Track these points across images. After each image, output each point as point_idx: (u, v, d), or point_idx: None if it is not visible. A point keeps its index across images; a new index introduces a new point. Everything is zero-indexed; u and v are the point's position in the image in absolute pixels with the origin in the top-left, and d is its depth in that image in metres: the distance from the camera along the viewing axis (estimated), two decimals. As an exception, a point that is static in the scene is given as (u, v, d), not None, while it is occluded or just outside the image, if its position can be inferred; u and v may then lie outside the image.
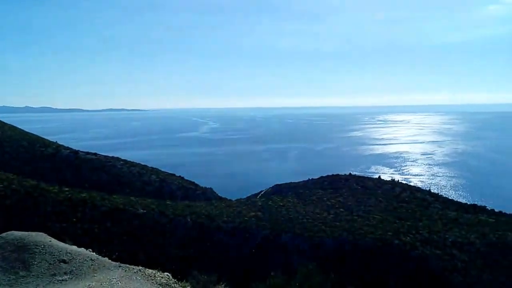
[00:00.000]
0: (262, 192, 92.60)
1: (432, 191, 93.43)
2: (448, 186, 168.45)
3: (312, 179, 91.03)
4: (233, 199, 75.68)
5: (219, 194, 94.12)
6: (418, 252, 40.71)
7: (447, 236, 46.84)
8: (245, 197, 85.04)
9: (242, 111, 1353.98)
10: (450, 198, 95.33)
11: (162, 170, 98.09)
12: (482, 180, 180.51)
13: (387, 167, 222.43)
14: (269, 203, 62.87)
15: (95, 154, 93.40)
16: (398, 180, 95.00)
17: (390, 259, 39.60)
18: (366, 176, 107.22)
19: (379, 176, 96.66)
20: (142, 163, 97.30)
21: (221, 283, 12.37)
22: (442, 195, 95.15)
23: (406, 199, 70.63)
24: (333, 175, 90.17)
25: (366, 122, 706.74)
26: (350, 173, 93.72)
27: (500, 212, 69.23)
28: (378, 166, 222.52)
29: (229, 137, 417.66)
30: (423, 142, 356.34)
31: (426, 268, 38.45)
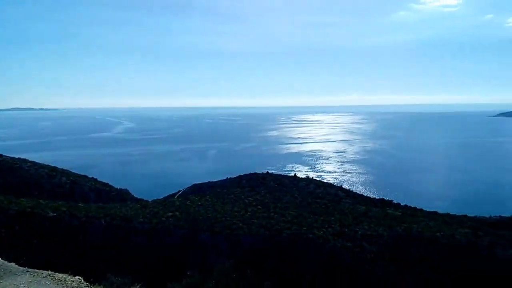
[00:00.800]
0: (180, 192, 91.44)
1: (343, 187, 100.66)
2: (358, 182, 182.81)
3: (230, 178, 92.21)
4: (150, 200, 74.38)
5: (135, 195, 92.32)
6: (331, 245, 43.58)
7: (357, 229, 50.74)
8: (162, 197, 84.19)
9: (159, 111, 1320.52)
10: (360, 193, 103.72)
11: (73, 171, 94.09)
12: (388, 175, 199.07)
13: (302, 165, 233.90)
14: (187, 202, 62.17)
15: (0, 155, 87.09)
16: (313, 177, 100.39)
17: (305, 252, 41.86)
18: (282, 174, 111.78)
19: (295, 174, 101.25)
20: (52, 165, 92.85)
21: (136, 284, 12.11)
22: (352, 190, 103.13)
23: (320, 195, 75.07)
24: (251, 173, 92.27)
25: (283, 122, 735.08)
26: (267, 172, 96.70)
27: (406, 205, 77.22)
28: (294, 164, 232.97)
29: (146, 137, 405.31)
30: (336, 141, 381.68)
31: (338, 260, 41.34)
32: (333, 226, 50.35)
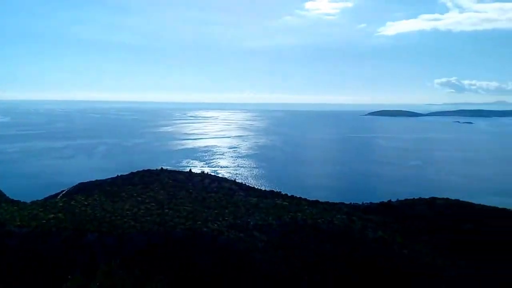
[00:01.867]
0: (64, 192, 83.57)
1: (237, 180, 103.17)
2: (251, 176, 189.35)
3: (121, 175, 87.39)
4: (28, 201, 66.74)
5: (10, 197, 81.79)
6: (225, 236, 44.38)
7: (249, 220, 52.59)
8: (42, 198, 76.35)
9: (37, 104, 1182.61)
10: (252, 186, 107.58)
11: None
12: (278, 169, 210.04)
13: (197, 160, 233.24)
14: (72, 203, 57.11)
15: None
16: (208, 173, 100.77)
17: (199, 245, 41.90)
18: (177, 170, 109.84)
19: (190, 170, 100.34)
20: None
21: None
22: (245, 184, 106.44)
23: (215, 189, 75.81)
24: (143, 170, 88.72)
25: (177, 118, 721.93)
26: (161, 168, 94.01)
27: (292, 195, 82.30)
28: (189, 160, 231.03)
29: (23, 132, 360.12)
30: (230, 137, 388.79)
31: (232, 249, 42.32)
32: (226, 218, 51.33)
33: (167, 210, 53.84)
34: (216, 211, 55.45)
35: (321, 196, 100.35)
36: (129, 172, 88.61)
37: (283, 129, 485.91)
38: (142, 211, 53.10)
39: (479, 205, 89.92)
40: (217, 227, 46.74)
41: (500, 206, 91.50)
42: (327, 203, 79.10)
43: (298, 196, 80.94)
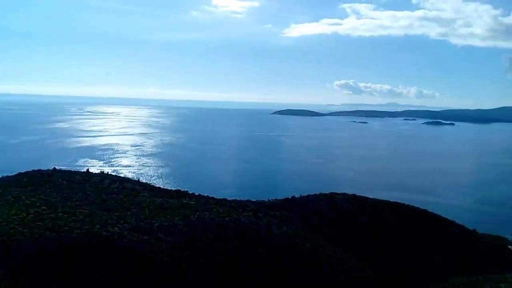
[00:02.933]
0: None
1: (141, 180, 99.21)
2: (156, 175, 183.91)
3: (7, 176, 78.12)
4: None
5: None
6: (127, 240, 42.56)
7: (153, 221, 51.10)
8: None
9: None
10: (157, 186, 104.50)
11: None
12: (184, 167, 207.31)
13: (96, 159, 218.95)
14: None
15: None
16: (108, 172, 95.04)
17: (98, 251, 39.55)
18: (73, 170, 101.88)
19: (88, 170, 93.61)
20: None
21: None
22: (150, 183, 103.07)
23: (116, 190, 71.86)
24: (33, 171, 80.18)
25: (74, 113, 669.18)
26: (54, 168, 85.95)
27: (199, 194, 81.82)
28: (87, 159, 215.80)
29: None
30: (133, 134, 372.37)
31: (134, 253, 40.79)
32: (129, 221, 49.18)
33: (61, 214, 49.56)
34: (117, 213, 52.73)
35: (229, 194, 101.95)
36: (16, 173, 79.63)
37: (189, 127, 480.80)
38: (31, 215, 48.08)
39: (373, 199, 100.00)
40: (118, 230, 44.56)
41: (391, 200, 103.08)
42: (234, 201, 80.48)
43: (205, 195, 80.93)
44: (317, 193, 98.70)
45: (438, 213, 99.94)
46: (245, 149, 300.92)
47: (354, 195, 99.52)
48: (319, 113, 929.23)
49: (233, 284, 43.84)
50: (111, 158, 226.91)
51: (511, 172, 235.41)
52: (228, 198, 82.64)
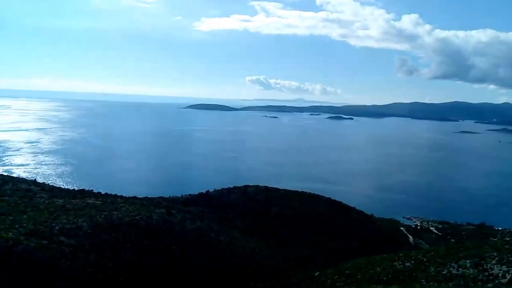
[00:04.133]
0: None
1: (38, 180, 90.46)
2: (56, 174, 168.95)
3: None
4: None
5: None
6: (23, 246, 38.47)
7: (54, 224, 46.88)
8: None
9: None
10: (57, 186, 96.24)
11: None
12: (89, 165, 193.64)
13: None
14: None
15: None
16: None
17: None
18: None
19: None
20: None
21: None
22: (49, 183, 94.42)
23: (8, 192, 64.64)
24: None
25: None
26: None
27: (107, 193, 77.19)
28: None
29: None
30: (28, 130, 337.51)
31: (32, 260, 37.08)
32: (25, 225, 44.47)
33: None
34: (11, 217, 47.34)
35: (140, 191, 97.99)
36: None
37: (94, 122, 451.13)
38: None
39: (283, 189, 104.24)
40: (13, 236, 40.05)
41: (299, 190, 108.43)
42: (145, 198, 77.75)
43: (113, 194, 76.82)
44: (231, 186, 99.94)
45: (340, 200, 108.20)
46: (157, 144, 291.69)
47: (266, 186, 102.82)
48: (232, 107, 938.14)
49: (146, 284, 42.30)
50: (2, 156, 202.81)
51: (402, 161, 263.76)
52: (139, 196, 79.55)
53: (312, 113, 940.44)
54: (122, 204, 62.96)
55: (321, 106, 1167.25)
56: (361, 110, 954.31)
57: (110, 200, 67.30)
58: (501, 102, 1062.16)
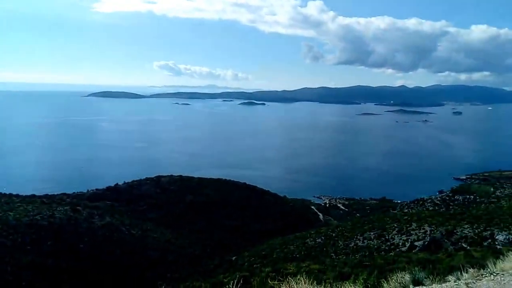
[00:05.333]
0: None
1: None
2: None
3: None
4: None
5: None
6: None
7: None
8: None
9: None
10: None
11: None
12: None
13: None
14: None
15: None
16: None
17: None
18: None
19: None
20: None
21: None
22: None
23: None
24: None
25: None
26: None
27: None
28: None
29: None
30: None
31: None
32: None
33: None
34: None
35: (39, 189, 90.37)
36: None
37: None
38: None
39: (198, 177, 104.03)
40: None
41: (214, 177, 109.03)
42: (45, 196, 71.86)
43: (7, 193, 69.64)
44: (143, 178, 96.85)
45: (255, 185, 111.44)
46: (57, 136, 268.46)
47: (180, 176, 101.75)
48: (140, 95, 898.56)
49: (50, 287, 39.43)
50: None
51: (311, 144, 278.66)
52: (38, 194, 73.26)
53: (225, 99, 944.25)
54: (18, 204, 57.53)
55: (233, 92, 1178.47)
56: (273, 95, 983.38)
57: (4, 199, 61.02)
58: (398, 85, 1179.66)
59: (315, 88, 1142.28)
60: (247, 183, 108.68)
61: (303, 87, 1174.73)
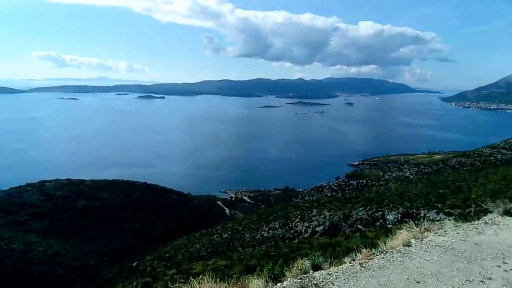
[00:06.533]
0: None
1: None
2: None
3: None
4: None
5: None
6: None
7: None
8: None
9: None
10: None
11: None
12: None
13: None
14: None
15: None
16: None
17: None
18: None
19: None
20: None
21: None
22: None
23: None
24: None
25: None
26: None
27: None
28: None
29: None
30: None
31: None
32: None
33: None
34: None
35: None
36: None
37: None
38: None
39: (91, 180, 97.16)
40: None
41: (110, 178, 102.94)
42: None
43: None
44: (23, 184, 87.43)
45: (156, 184, 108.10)
46: None
47: (69, 179, 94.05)
48: (17, 89, 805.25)
49: None
50: None
51: (214, 138, 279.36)
52: None
53: (119, 93, 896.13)
54: None
55: (128, 85, 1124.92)
56: (172, 88, 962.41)
57: None
58: (296, 78, 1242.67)
59: (217, 80, 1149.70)
60: (148, 182, 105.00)
61: (205, 79, 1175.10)
